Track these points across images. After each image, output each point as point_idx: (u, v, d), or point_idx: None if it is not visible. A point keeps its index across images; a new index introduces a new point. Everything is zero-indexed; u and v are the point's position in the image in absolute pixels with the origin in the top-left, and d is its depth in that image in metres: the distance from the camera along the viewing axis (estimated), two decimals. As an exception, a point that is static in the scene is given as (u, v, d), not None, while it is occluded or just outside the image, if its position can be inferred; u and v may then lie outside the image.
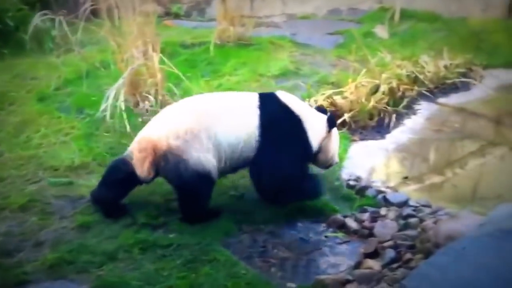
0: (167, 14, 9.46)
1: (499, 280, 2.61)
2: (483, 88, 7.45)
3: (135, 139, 4.00)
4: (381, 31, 8.59)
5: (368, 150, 5.36)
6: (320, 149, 4.18)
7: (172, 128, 3.82)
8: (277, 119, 4.02)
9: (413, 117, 6.30)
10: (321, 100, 5.82)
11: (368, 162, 5.14)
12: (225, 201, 4.30)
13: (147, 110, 5.37)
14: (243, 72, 6.60)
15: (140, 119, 5.27)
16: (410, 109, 6.40)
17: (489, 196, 4.82)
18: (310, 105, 5.22)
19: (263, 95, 4.19)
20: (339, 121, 5.55)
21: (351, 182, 4.63)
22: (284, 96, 4.17)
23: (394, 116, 6.00)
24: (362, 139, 5.57)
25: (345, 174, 4.79)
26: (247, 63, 6.85)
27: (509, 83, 7.94)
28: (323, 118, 4.19)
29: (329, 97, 5.85)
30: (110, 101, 5.06)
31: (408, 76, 6.82)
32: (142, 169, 3.84)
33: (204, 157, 3.82)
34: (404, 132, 5.91)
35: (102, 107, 5.11)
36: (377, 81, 6.28)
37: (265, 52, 7.31)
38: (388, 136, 5.73)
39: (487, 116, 6.92)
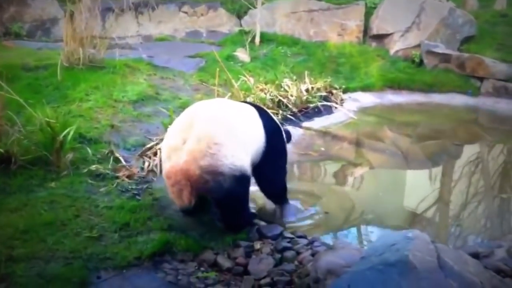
0: (7, 34, 8.63)
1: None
2: (344, 111, 7.70)
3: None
4: (242, 54, 8.57)
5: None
6: None
7: (193, 148, 3.73)
8: (271, 129, 4.33)
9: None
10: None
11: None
12: (79, 244, 3.82)
13: (-19, 144, 4.69)
14: (95, 97, 6.10)
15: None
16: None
17: (357, 217, 4.87)
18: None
19: (254, 105, 4.53)
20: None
21: (222, 215, 4.37)
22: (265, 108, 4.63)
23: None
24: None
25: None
26: (100, 87, 6.36)
27: (367, 106, 8.34)
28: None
29: (192, 123, 5.58)
30: None
31: (272, 100, 6.83)
32: (181, 200, 3.80)
33: (237, 158, 3.82)
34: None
35: None
36: (242, 106, 6.15)
37: (120, 76, 6.87)
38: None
39: (348, 138, 7.15)
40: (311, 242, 3.89)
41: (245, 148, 3.95)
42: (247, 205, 4.17)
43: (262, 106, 4.83)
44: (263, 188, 4.50)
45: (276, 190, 4.58)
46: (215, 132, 3.80)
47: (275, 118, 4.62)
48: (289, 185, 4.80)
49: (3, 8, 8.65)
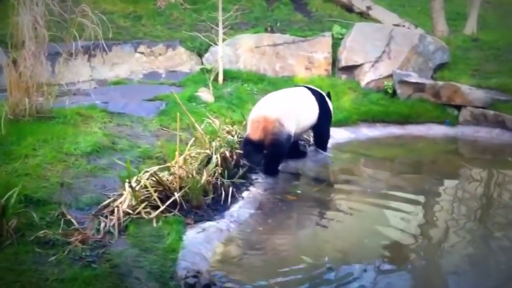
0: None
1: None
2: (318, 150, 7.43)
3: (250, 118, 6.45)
4: (205, 94, 8.26)
5: (207, 234, 4.78)
6: None
7: (275, 107, 6.40)
8: (321, 100, 7.10)
9: (251, 188, 5.94)
10: (144, 179, 5.13)
11: (208, 249, 4.54)
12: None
13: None
14: (44, 151, 5.63)
15: None
16: (247, 180, 6.08)
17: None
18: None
19: (308, 88, 7.26)
20: (168, 202, 4.96)
21: (190, 280, 3.96)
22: (313, 87, 7.42)
23: (231, 189, 5.55)
24: (197, 221, 4.97)
25: (181, 270, 4.12)
26: (49, 140, 5.89)
27: (341, 142, 8.09)
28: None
29: (153, 174, 5.18)
30: None
31: (240, 142, 6.49)
32: (255, 134, 6.22)
33: (291, 126, 6.41)
34: (244, 207, 5.48)
35: None
36: (208, 151, 5.84)
37: (72, 126, 6.43)
38: (227, 214, 5.26)
39: (325, 178, 6.84)
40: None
41: (296, 118, 6.51)
42: (282, 159, 6.55)
43: (313, 87, 7.38)
44: (316, 139, 7.39)
45: (325, 139, 7.36)
46: (281, 108, 6.43)
47: (323, 93, 7.27)
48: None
49: None
